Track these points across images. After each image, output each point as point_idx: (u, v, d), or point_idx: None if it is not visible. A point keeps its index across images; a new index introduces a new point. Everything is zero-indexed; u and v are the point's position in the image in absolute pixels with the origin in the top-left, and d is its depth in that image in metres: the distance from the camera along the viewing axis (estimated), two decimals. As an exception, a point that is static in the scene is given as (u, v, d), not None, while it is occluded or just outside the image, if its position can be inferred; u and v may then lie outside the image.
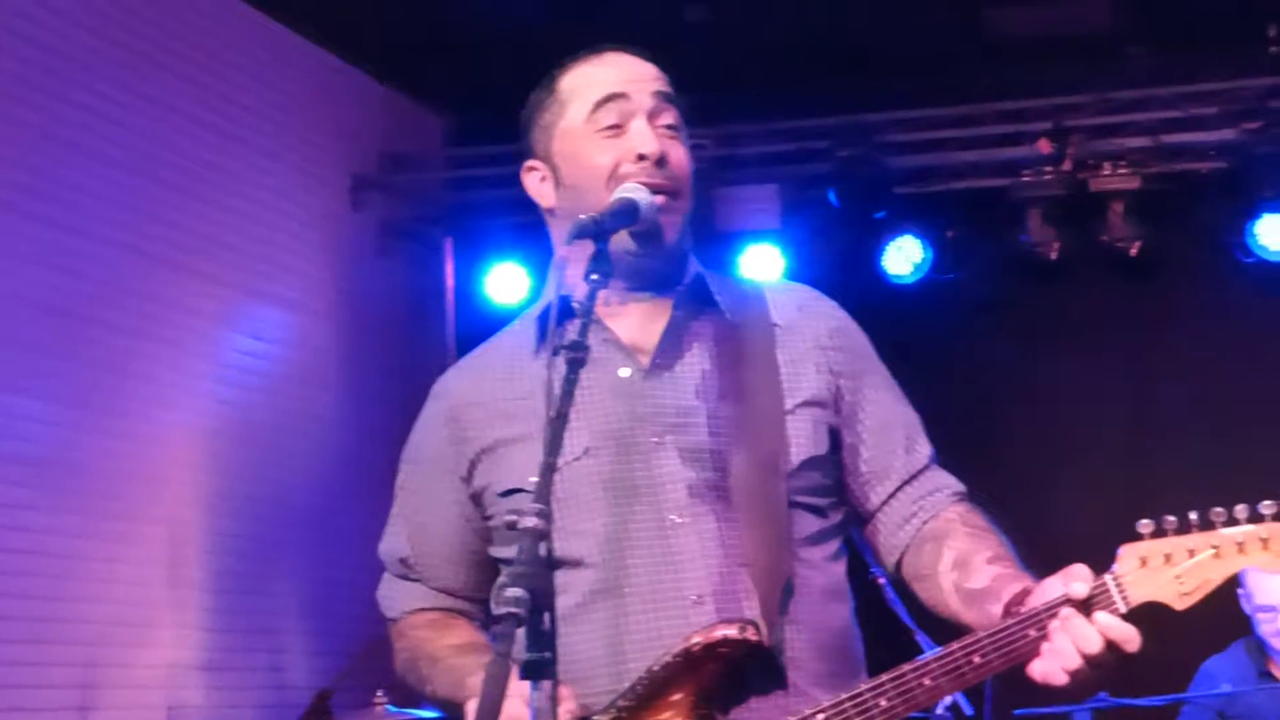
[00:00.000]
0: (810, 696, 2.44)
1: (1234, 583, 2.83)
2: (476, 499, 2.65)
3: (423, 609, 2.76)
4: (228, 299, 6.72)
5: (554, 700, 2.08)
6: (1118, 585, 2.35)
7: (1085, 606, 2.33)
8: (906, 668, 2.38)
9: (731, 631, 2.40)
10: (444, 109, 8.19)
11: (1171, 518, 2.36)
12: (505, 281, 7.71)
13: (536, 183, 2.69)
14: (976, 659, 2.37)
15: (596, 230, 2.42)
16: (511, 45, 5.88)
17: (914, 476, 2.66)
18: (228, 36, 6.79)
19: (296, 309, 7.16)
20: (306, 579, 6.97)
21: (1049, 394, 7.48)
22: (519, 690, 2.12)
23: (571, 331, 2.34)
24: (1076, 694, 2.40)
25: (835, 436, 2.64)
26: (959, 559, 2.55)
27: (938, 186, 7.46)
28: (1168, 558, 2.35)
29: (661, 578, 2.47)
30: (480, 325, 5.84)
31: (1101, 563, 2.38)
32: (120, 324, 6.12)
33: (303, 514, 6.97)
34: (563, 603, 2.41)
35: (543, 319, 2.62)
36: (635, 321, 2.62)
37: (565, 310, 2.47)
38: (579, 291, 2.41)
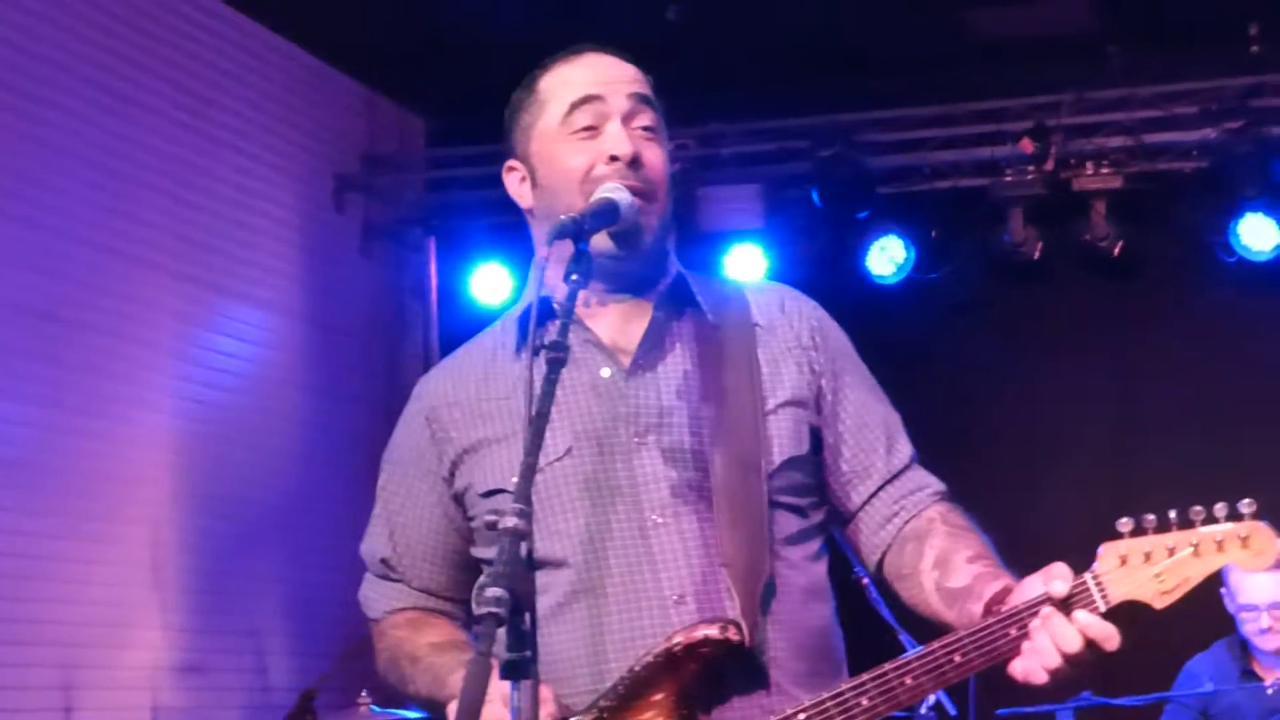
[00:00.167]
0: (792, 695, 2.44)
1: (1215, 581, 2.84)
2: (458, 499, 2.65)
3: (404, 609, 2.76)
4: (209, 301, 6.71)
5: (535, 700, 2.07)
6: (1097, 584, 2.35)
7: (1065, 605, 2.33)
8: (888, 666, 2.39)
9: (713, 631, 2.40)
10: (426, 110, 8.18)
11: (1151, 516, 2.37)
12: (489, 282, 7.70)
13: (516, 183, 2.69)
14: (957, 658, 2.37)
15: (576, 230, 2.41)
16: (493, 46, 5.87)
17: (895, 476, 2.66)
18: (209, 38, 6.79)
19: (278, 310, 7.15)
20: (289, 580, 6.96)
21: (1032, 393, 7.49)
22: (500, 691, 2.12)
23: (552, 332, 2.33)
24: (1058, 692, 2.41)
25: (816, 436, 2.63)
26: (940, 558, 2.55)
27: (920, 186, 7.47)
28: (1147, 556, 2.36)
29: (642, 577, 2.47)
30: (463, 326, 5.83)
31: (1085, 562, 2.38)
32: (100, 325, 6.10)
33: (285, 515, 6.96)
34: (543, 603, 2.42)
35: (523, 320, 2.61)
36: (616, 322, 2.61)
37: (546, 311, 2.47)
38: (559, 292, 2.41)
